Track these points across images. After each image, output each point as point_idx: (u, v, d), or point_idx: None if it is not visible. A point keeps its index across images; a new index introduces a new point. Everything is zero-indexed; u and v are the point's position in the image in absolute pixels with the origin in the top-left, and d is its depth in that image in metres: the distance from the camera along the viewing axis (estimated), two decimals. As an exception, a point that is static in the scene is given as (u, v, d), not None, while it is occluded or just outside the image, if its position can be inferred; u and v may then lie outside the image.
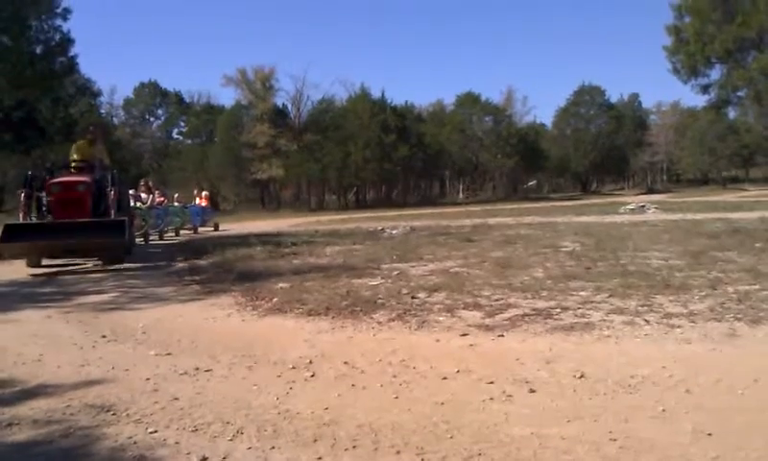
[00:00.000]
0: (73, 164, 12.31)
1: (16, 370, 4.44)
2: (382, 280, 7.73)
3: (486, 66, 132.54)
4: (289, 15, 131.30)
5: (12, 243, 10.37)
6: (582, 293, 6.48)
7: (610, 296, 6.28)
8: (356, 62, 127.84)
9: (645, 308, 5.69)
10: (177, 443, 3.10)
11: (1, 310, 6.90)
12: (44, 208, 11.38)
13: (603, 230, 14.98)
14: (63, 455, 3.02)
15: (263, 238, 15.67)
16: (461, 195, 73.82)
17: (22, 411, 3.60)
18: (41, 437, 3.25)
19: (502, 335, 5.04)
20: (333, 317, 5.84)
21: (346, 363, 4.40)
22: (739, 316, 5.32)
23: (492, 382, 3.90)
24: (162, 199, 22.82)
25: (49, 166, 13.35)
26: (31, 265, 11.18)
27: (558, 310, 5.75)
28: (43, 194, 11.34)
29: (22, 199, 11.25)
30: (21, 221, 11.02)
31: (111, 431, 3.27)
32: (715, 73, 40.72)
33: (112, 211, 11.24)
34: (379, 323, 5.57)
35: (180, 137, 73.86)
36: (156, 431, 3.25)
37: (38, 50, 25.54)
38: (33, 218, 11.27)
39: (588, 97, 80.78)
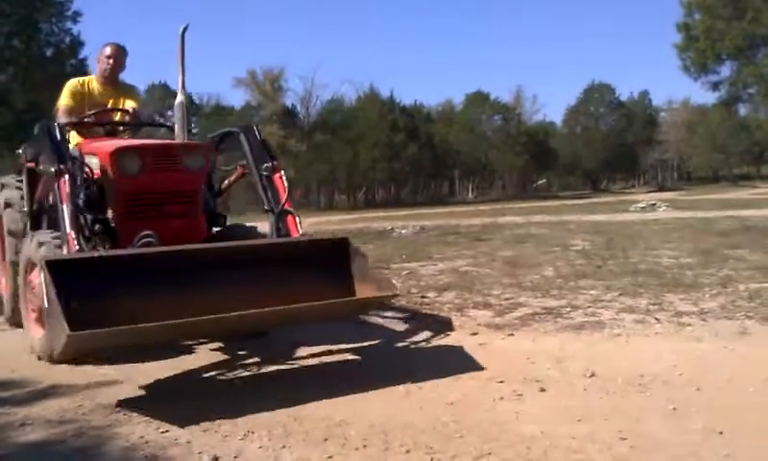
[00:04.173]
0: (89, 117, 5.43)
1: (29, 371, 4.47)
2: (392, 280, 7.72)
3: (495, 65, 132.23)
4: (297, 16, 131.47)
5: (99, 331, 3.34)
6: (592, 292, 6.47)
7: (620, 294, 6.26)
8: (365, 62, 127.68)
9: (656, 307, 5.67)
10: (188, 442, 3.12)
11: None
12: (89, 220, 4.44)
13: (613, 228, 14.91)
14: (76, 455, 3.04)
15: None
16: (470, 194, 73.73)
17: (35, 411, 3.63)
18: (54, 437, 3.27)
19: (512, 334, 5.04)
20: (343, 317, 5.84)
21: (356, 362, 4.41)
22: (750, 314, 5.29)
23: (502, 381, 3.89)
24: None
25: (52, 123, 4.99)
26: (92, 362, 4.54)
27: (568, 309, 5.74)
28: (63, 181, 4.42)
29: (32, 191, 5.28)
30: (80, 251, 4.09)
31: (123, 431, 3.29)
32: (725, 70, 40.45)
33: (296, 221, 4.90)
34: (389, 322, 5.58)
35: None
36: (167, 431, 3.27)
37: (49, 53, 25.73)
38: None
39: (597, 95, 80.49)
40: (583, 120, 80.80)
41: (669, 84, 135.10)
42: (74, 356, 3.98)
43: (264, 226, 5.16)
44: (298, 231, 4.84)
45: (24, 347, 5.09)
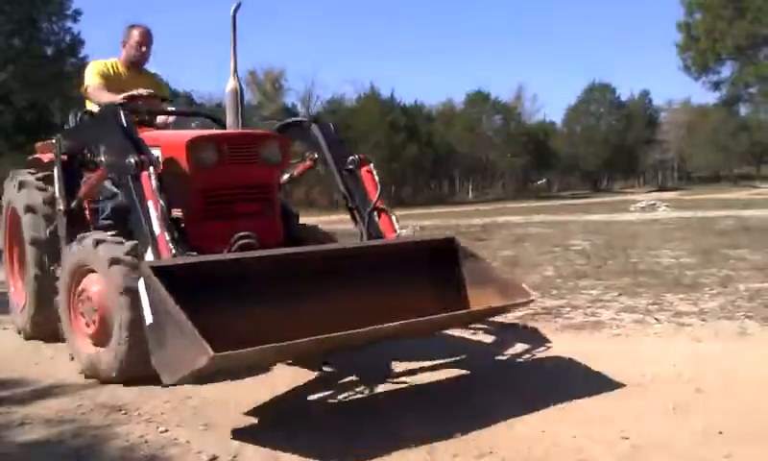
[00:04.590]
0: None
1: (29, 370, 4.47)
2: (392, 280, 7.71)
3: (495, 65, 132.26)
4: (298, 16, 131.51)
5: (249, 349, 2.82)
6: (592, 291, 6.47)
7: (620, 294, 6.26)
8: (365, 62, 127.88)
9: (656, 307, 5.68)
10: (188, 442, 3.11)
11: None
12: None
13: (613, 228, 14.92)
14: (75, 454, 3.03)
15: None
16: (470, 194, 73.72)
17: (34, 410, 3.63)
18: (53, 436, 3.27)
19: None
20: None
21: (357, 363, 4.41)
22: (750, 314, 5.30)
23: (502, 381, 3.89)
24: None
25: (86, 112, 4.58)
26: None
27: (568, 309, 5.74)
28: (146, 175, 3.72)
29: (81, 187, 4.63)
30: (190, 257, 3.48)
31: (123, 430, 3.28)
32: (726, 70, 40.52)
33: (391, 220, 4.39)
34: (389, 322, 5.56)
35: (191, 138, 74.01)
36: (167, 430, 3.26)
37: (49, 52, 25.72)
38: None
39: (598, 95, 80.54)
40: (583, 120, 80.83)
41: (669, 85, 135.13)
42: (195, 379, 3.21)
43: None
44: (394, 231, 4.30)
45: (21, 345, 5.09)
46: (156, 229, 3.56)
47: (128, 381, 3.88)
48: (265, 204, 4.38)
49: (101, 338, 3.98)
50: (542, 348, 4.58)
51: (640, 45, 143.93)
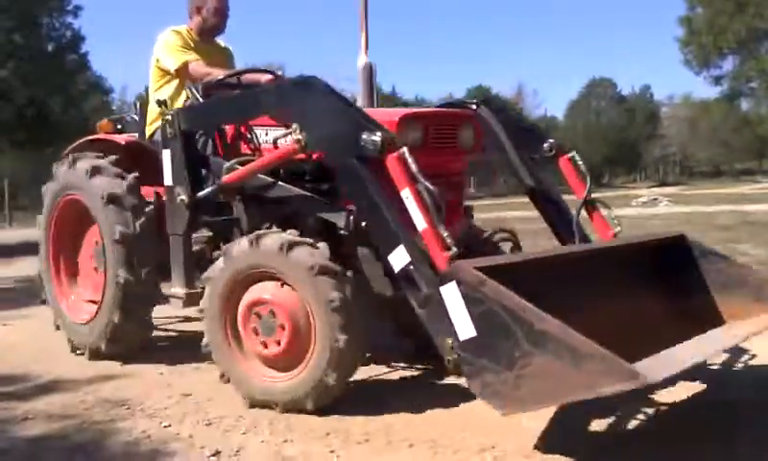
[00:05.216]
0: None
1: (32, 365, 4.48)
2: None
3: (496, 60, 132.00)
4: (296, 11, 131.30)
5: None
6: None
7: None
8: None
9: (658, 301, 5.66)
10: (190, 437, 3.12)
11: (18, 306, 6.93)
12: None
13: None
14: (78, 450, 3.04)
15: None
16: (471, 188, 73.71)
17: (37, 406, 3.64)
18: (56, 432, 3.27)
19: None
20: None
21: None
22: (753, 309, 5.28)
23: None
24: None
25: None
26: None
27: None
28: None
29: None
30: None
31: (126, 426, 3.29)
32: (728, 64, 40.43)
33: (602, 216, 3.89)
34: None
35: (192, 134, 73.81)
36: (169, 425, 3.27)
37: (50, 48, 25.65)
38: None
39: (599, 90, 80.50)
40: (584, 115, 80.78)
41: (671, 79, 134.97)
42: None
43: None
44: (610, 228, 3.75)
45: (23, 341, 5.08)
46: (422, 223, 2.93)
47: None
48: (457, 194, 3.84)
49: (286, 362, 3.36)
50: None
51: (642, 40, 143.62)
